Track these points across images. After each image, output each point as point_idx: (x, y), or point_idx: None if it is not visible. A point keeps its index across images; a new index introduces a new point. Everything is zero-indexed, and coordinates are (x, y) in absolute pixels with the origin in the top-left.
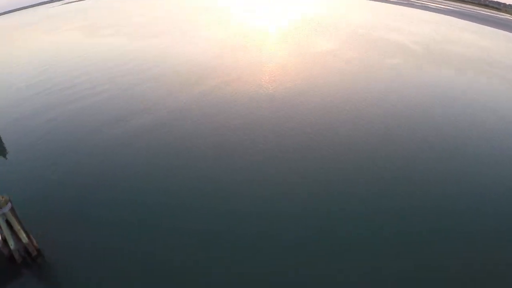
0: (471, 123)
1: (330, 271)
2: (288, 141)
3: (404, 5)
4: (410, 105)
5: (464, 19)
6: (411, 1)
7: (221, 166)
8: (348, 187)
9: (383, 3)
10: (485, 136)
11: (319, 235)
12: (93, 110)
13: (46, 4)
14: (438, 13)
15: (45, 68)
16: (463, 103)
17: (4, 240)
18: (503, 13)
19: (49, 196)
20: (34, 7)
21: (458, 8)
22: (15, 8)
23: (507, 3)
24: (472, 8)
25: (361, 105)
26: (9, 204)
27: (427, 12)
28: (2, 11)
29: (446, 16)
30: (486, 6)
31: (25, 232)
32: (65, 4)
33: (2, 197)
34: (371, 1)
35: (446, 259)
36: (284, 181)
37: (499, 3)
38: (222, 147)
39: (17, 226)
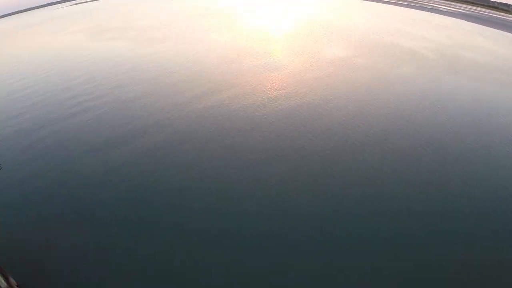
0: (476, 129)
1: (333, 271)
2: (294, 143)
3: (415, 8)
4: (414, 107)
5: (475, 22)
6: (422, 3)
7: (225, 167)
8: (354, 189)
9: (393, 6)
10: (487, 140)
11: (323, 236)
12: (102, 118)
13: (51, 6)
14: (449, 16)
15: (46, 75)
16: (472, 109)
17: None
18: None
19: (37, 226)
20: (39, 8)
21: (468, 10)
22: (19, 9)
23: None
24: (481, 11)
25: (367, 109)
26: None
27: (438, 15)
28: (6, 13)
29: (456, 19)
30: (495, 8)
31: (3, 275)
32: (70, 6)
33: None
34: (381, 3)
35: (446, 260)
36: (289, 181)
37: (508, 5)
38: (228, 149)
39: None
